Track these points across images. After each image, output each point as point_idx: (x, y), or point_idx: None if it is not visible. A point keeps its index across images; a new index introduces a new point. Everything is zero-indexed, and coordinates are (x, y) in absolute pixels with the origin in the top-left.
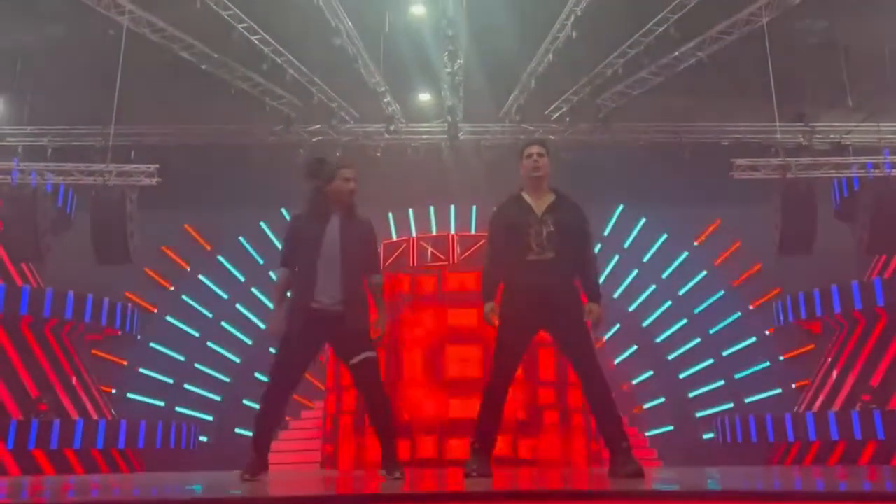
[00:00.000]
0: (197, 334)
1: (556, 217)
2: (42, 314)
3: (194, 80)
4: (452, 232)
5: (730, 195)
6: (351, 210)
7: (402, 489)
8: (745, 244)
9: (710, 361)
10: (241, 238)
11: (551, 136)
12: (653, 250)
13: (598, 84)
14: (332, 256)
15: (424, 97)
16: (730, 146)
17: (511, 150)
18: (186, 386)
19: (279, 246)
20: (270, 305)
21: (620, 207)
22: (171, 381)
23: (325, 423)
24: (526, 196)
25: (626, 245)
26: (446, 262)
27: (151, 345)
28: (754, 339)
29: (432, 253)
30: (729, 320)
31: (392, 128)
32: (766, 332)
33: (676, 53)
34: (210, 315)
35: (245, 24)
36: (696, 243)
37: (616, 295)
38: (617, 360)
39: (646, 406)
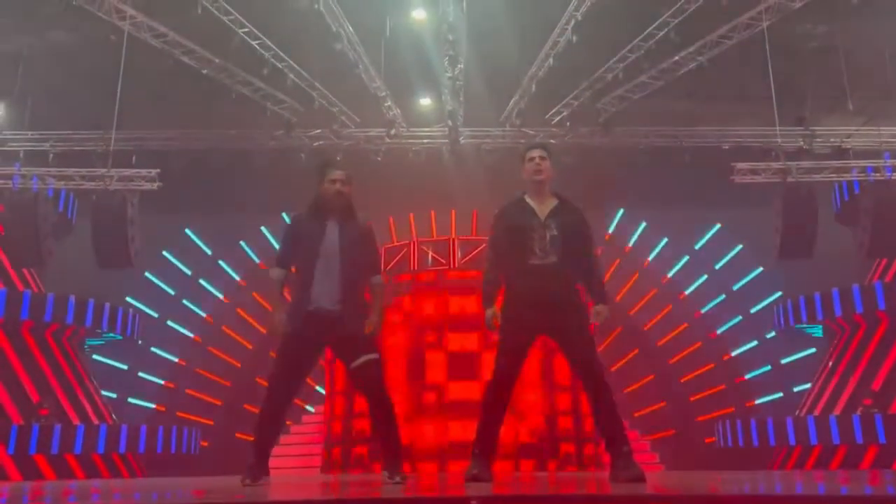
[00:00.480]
0: (198, 339)
1: (559, 221)
2: (43, 319)
3: (195, 84)
4: (453, 236)
5: (730, 199)
6: (347, 212)
7: (404, 493)
8: (746, 248)
9: (712, 365)
10: (241, 242)
11: (552, 140)
12: (653, 254)
13: (598, 88)
14: (330, 259)
15: (425, 102)
16: (730, 150)
17: (512, 153)
18: (187, 390)
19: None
20: (271, 308)
21: (621, 211)
22: (172, 385)
23: (326, 428)
24: (528, 200)
25: (627, 249)
26: (447, 266)
27: (152, 349)
28: (755, 342)
29: (433, 257)
30: (730, 324)
31: (393, 132)
32: (767, 336)
33: (677, 57)
34: (211, 320)
35: (246, 30)
36: (696, 247)
37: (617, 299)
38: (618, 364)
39: (647, 410)
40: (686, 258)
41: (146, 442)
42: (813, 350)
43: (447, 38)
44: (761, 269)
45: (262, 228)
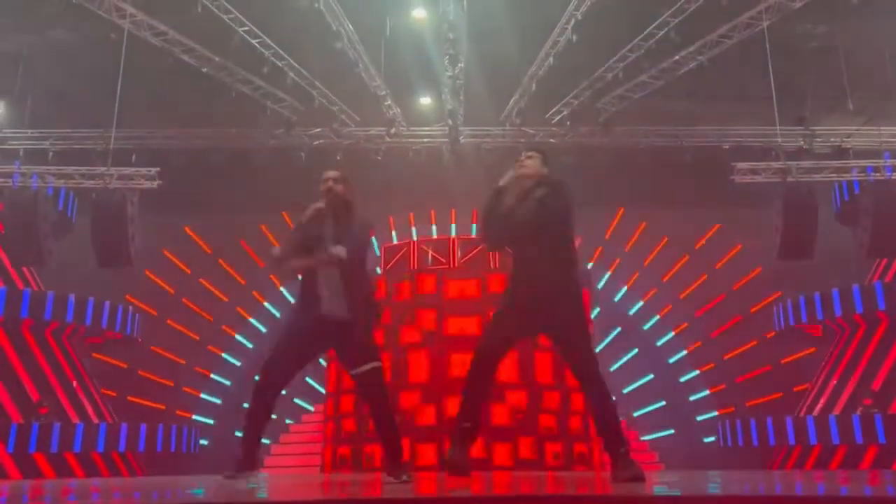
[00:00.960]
0: (197, 337)
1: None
2: (43, 317)
3: (195, 83)
4: (453, 235)
5: (730, 199)
6: (342, 210)
7: (405, 493)
8: (746, 248)
9: (712, 365)
10: (241, 241)
11: (552, 140)
12: (653, 254)
13: (598, 88)
14: (331, 270)
15: (425, 101)
16: (730, 150)
17: (512, 153)
18: (187, 389)
19: None
20: (271, 308)
21: (621, 211)
22: (171, 384)
23: (326, 427)
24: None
25: (627, 248)
26: (447, 266)
27: (152, 348)
28: (755, 342)
29: (433, 256)
30: (730, 324)
31: (393, 131)
32: (767, 336)
33: (677, 57)
34: (211, 318)
35: (246, 28)
36: (696, 247)
37: (616, 298)
38: (617, 364)
39: (646, 409)
40: (686, 258)
41: (146, 441)
42: (813, 350)
43: (447, 38)
44: (761, 268)
45: (262, 227)
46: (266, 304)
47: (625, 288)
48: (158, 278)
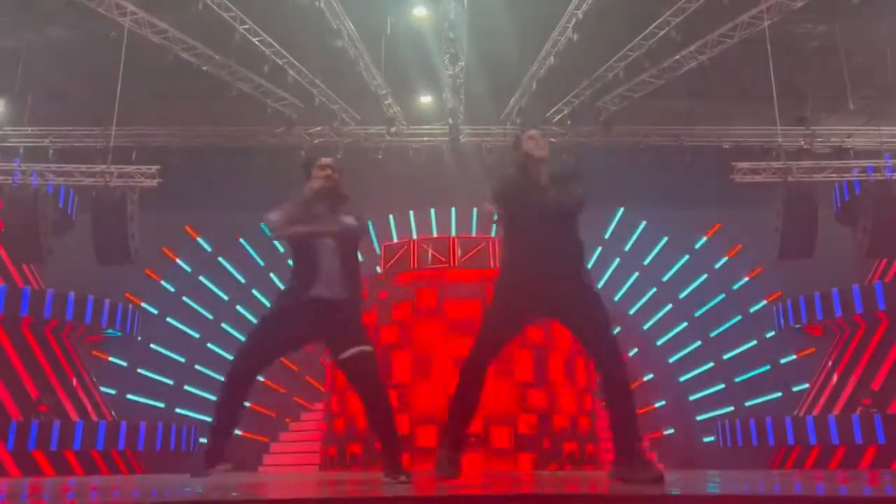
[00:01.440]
0: (197, 335)
1: (563, 194)
2: (43, 315)
3: (196, 81)
4: (453, 234)
5: (731, 198)
6: (341, 199)
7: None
8: (746, 247)
9: (711, 364)
10: (241, 239)
11: (552, 139)
12: (653, 253)
13: (599, 87)
14: (328, 246)
15: (426, 99)
16: (731, 149)
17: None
18: (187, 387)
19: (280, 248)
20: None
21: (621, 210)
22: (171, 382)
23: (326, 425)
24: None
25: (627, 248)
26: (447, 265)
27: (152, 346)
28: (755, 342)
29: (433, 255)
30: (730, 323)
31: (393, 130)
32: (767, 336)
33: (678, 56)
34: (211, 316)
35: (247, 26)
36: (696, 246)
37: (617, 298)
38: None
39: (647, 409)
40: (686, 258)
41: (145, 439)
42: (813, 350)
43: (448, 36)
44: (761, 269)
45: (263, 226)
46: (266, 303)
47: (625, 287)
48: (158, 276)
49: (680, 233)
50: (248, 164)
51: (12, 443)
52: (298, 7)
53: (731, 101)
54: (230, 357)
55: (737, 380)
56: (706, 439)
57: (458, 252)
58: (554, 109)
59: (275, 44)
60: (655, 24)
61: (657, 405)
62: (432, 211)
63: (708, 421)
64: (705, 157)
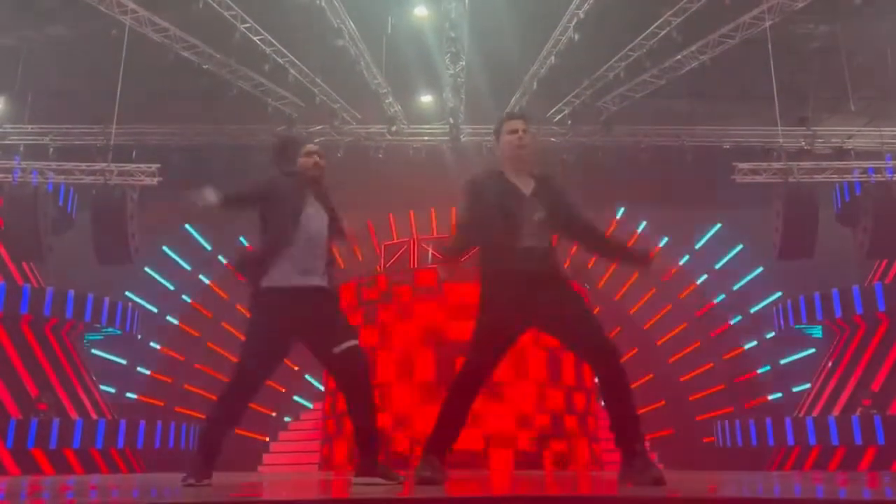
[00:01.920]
0: (197, 334)
1: (546, 200)
2: (42, 313)
3: (196, 80)
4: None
5: (731, 199)
6: (325, 186)
7: (405, 494)
8: (746, 248)
9: (711, 365)
10: (241, 238)
11: (552, 139)
12: (653, 254)
13: (599, 87)
14: (312, 232)
15: (426, 99)
16: (731, 150)
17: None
18: (186, 386)
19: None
20: None
21: (621, 210)
22: (170, 380)
23: (324, 425)
24: (508, 177)
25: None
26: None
27: (151, 344)
28: (755, 342)
29: (433, 254)
30: (730, 323)
31: (394, 129)
32: (767, 336)
33: (679, 56)
34: (210, 315)
35: (247, 25)
36: (696, 247)
37: (617, 298)
38: None
39: (647, 409)
40: (686, 258)
41: (144, 437)
42: (812, 350)
43: (449, 36)
44: (761, 269)
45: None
46: None
47: (625, 287)
48: (158, 275)
49: (680, 233)
50: (248, 163)
51: (11, 441)
52: (299, 6)
53: (731, 102)
54: (229, 355)
55: (736, 380)
56: (706, 440)
57: None
58: (555, 109)
59: (275, 42)
60: (656, 24)
61: (657, 406)
62: (432, 210)
63: (708, 421)
64: (706, 157)
